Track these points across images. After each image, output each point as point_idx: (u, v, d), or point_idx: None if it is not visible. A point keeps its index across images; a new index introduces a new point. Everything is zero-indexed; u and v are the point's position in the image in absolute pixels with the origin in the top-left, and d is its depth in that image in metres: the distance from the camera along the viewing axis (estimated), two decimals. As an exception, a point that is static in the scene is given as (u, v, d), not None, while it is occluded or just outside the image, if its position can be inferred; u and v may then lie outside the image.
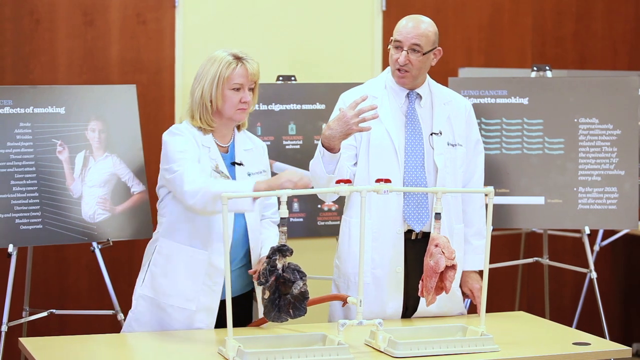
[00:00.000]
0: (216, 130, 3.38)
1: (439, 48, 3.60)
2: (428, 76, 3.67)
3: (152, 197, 4.62)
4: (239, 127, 3.48)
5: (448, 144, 3.60)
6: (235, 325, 3.35)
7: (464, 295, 3.69)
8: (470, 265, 3.67)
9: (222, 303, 3.35)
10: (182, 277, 3.33)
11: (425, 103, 3.63)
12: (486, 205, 3.22)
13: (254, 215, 3.39)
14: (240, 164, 3.39)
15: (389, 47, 3.59)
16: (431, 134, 3.58)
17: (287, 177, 3.10)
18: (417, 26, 3.53)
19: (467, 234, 3.67)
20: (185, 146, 3.29)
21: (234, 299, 3.39)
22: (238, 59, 3.34)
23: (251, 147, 3.48)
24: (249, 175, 3.41)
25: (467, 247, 3.67)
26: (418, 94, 3.62)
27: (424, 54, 3.53)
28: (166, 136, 3.36)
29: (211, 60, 3.35)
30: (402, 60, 3.52)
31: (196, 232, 3.34)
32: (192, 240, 3.34)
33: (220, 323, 3.33)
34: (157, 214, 3.47)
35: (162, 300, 3.35)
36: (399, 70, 3.56)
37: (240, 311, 3.42)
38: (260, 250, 3.43)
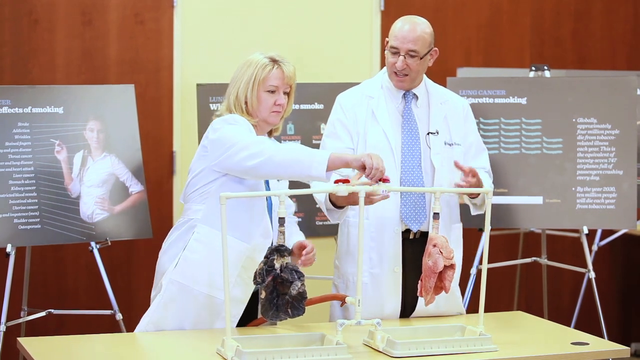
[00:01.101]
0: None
1: (435, 49, 3.59)
2: (425, 75, 3.66)
3: (150, 197, 4.63)
4: (270, 133, 3.46)
5: (445, 144, 3.60)
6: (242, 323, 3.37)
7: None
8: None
9: (254, 295, 3.35)
10: (218, 267, 3.29)
11: (421, 103, 3.62)
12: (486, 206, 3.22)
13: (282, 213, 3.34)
14: None
15: (385, 51, 3.58)
16: (428, 134, 3.59)
17: (373, 161, 3.06)
18: (413, 29, 3.51)
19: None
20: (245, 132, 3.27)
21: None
22: (274, 61, 3.35)
23: None
24: (278, 181, 3.40)
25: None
26: (414, 94, 3.62)
27: (421, 58, 3.52)
28: (220, 123, 3.30)
29: (247, 63, 3.36)
30: (399, 65, 3.51)
31: (238, 223, 3.28)
32: (234, 230, 3.26)
33: (245, 317, 3.34)
34: (188, 200, 3.39)
35: (193, 287, 3.32)
36: (396, 74, 3.55)
37: (244, 313, 3.41)
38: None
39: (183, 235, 3.38)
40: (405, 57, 3.50)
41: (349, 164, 3.11)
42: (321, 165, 3.08)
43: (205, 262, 3.31)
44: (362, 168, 3.09)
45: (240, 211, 3.28)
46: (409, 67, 3.52)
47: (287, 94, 3.38)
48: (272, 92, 3.33)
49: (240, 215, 3.28)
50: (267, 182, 3.39)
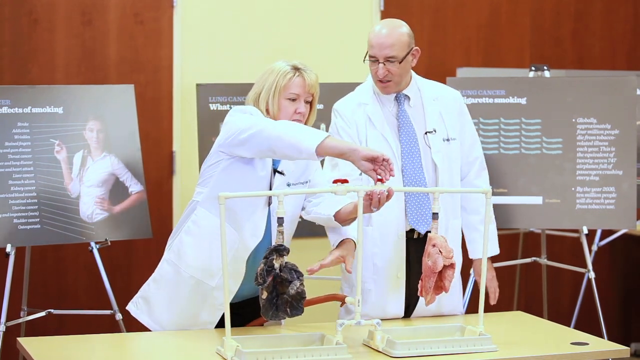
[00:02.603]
0: None
1: (416, 48, 3.54)
2: (414, 73, 3.63)
3: (150, 197, 4.63)
4: None
5: (443, 140, 3.60)
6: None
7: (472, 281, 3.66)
8: (479, 252, 3.62)
9: (249, 300, 3.35)
10: (211, 251, 3.29)
11: (414, 102, 3.61)
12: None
13: (286, 219, 3.32)
14: (281, 173, 3.38)
15: (364, 60, 3.54)
16: (426, 133, 3.58)
17: (366, 152, 2.99)
18: (389, 35, 3.47)
19: (473, 222, 3.66)
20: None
21: (247, 301, 3.40)
22: (296, 69, 3.32)
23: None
24: (288, 185, 3.37)
25: (476, 234, 3.65)
26: (406, 95, 3.60)
27: (400, 62, 3.49)
28: (235, 110, 3.30)
29: (270, 70, 3.34)
30: (381, 73, 3.49)
31: (232, 211, 3.27)
32: (230, 217, 3.25)
33: (239, 317, 3.34)
34: (198, 183, 3.39)
35: (185, 270, 3.33)
36: (380, 81, 3.54)
37: (248, 314, 3.40)
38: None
39: (185, 217, 3.39)
40: (384, 64, 3.48)
41: (343, 155, 3.01)
42: (314, 140, 3.00)
43: (199, 246, 3.32)
44: (368, 160, 3.01)
45: (235, 200, 3.25)
46: (390, 72, 3.49)
47: (310, 102, 3.35)
48: (293, 100, 3.31)
49: (234, 202, 3.26)
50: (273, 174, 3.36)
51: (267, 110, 3.31)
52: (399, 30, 3.50)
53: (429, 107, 3.61)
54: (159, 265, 3.40)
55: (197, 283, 3.32)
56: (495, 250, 3.74)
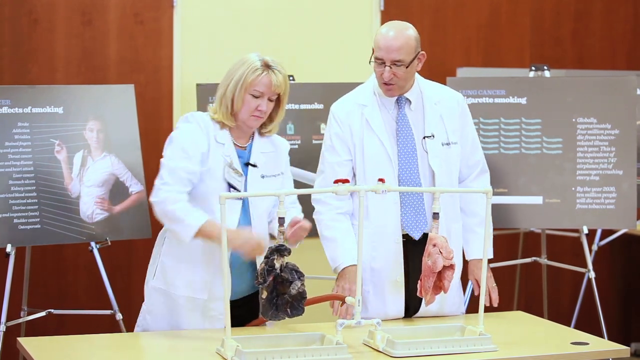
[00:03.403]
0: (234, 130, 3.38)
1: (423, 52, 3.51)
2: (417, 75, 3.60)
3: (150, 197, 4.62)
4: (261, 132, 3.45)
5: (442, 144, 3.57)
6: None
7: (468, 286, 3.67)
8: (476, 253, 3.62)
9: (245, 298, 3.37)
10: (193, 267, 3.32)
11: (415, 106, 3.58)
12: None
13: (258, 213, 3.37)
14: (254, 166, 3.39)
15: (370, 62, 3.52)
16: (424, 138, 3.56)
17: (243, 243, 3.20)
18: (397, 37, 3.44)
19: (471, 224, 3.64)
20: (189, 143, 3.28)
21: (243, 299, 3.40)
22: (267, 67, 3.32)
23: (271, 150, 3.43)
24: (262, 177, 3.39)
25: (472, 236, 3.63)
26: (407, 98, 3.57)
27: (407, 66, 3.46)
28: (180, 122, 3.37)
29: (242, 61, 3.34)
30: (387, 76, 3.46)
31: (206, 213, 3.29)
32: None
33: (237, 319, 3.34)
34: None
35: (172, 291, 3.35)
36: (385, 84, 3.51)
37: (245, 313, 3.41)
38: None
39: (160, 240, 3.44)
40: (391, 67, 3.46)
41: (216, 240, 3.14)
42: (190, 230, 3.19)
43: (181, 264, 3.35)
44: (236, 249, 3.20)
45: (209, 210, 3.28)
46: (396, 76, 3.47)
47: (276, 100, 3.36)
48: (257, 97, 3.32)
49: (210, 213, 3.28)
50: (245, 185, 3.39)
51: (233, 103, 3.31)
52: (408, 34, 3.47)
53: (429, 111, 3.57)
54: (146, 296, 3.42)
55: (190, 300, 3.34)
56: (490, 255, 3.69)
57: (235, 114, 3.33)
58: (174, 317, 3.36)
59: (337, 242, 3.50)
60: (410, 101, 3.57)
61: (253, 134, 3.42)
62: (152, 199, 3.28)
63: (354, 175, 3.56)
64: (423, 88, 3.61)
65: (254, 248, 3.21)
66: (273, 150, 3.45)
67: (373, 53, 3.50)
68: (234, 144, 3.37)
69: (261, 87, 3.30)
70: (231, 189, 3.30)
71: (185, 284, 3.34)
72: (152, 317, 3.40)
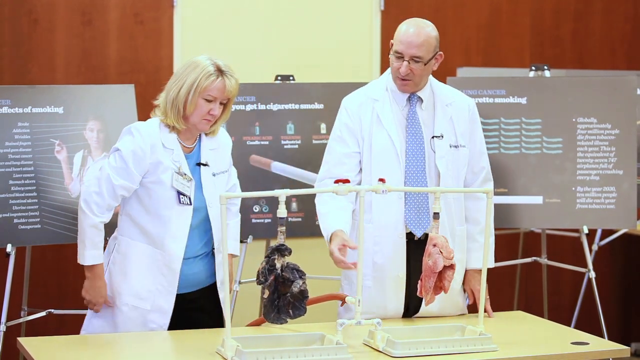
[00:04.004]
0: (182, 132, 3.39)
1: (440, 52, 3.54)
2: (431, 76, 3.63)
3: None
4: (206, 133, 3.47)
5: (450, 146, 3.57)
6: (203, 321, 3.36)
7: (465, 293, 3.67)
8: (476, 263, 3.62)
9: (178, 304, 3.38)
10: (138, 276, 3.37)
11: (426, 106, 3.59)
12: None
13: (216, 202, 3.33)
14: (205, 165, 3.40)
15: (389, 55, 3.54)
16: (432, 138, 3.57)
17: (93, 295, 3.43)
18: (418, 34, 3.46)
19: (472, 232, 3.64)
20: (131, 160, 3.31)
21: (197, 292, 3.42)
22: (220, 72, 3.33)
23: (216, 147, 3.48)
24: (213, 175, 3.42)
25: (473, 245, 3.63)
26: (419, 97, 3.59)
27: (425, 64, 3.49)
28: (124, 135, 3.39)
29: (193, 65, 3.34)
30: (403, 70, 3.48)
31: (154, 232, 3.35)
32: (149, 238, 3.36)
33: (177, 323, 3.36)
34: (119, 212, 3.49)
35: (118, 298, 3.39)
36: (400, 78, 3.53)
37: (206, 304, 3.43)
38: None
39: (109, 247, 3.49)
40: (409, 63, 3.47)
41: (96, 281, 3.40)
42: (82, 260, 3.41)
43: (126, 273, 3.39)
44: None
45: (155, 220, 3.34)
46: (412, 72, 3.49)
47: (225, 103, 3.38)
48: (210, 101, 3.33)
49: (155, 223, 3.34)
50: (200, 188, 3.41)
51: (185, 107, 3.31)
52: (429, 31, 3.50)
53: (440, 111, 3.59)
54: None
55: (132, 309, 3.37)
56: (491, 263, 3.67)
57: (187, 117, 3.34)
58: (115, 324, 3.40)
59: (330, 214, 3.44)
60: (422, 100, 3.58)
61: (200, 134, 3.44)
62: (81, 203, 3.36)
63: (360, 169, 3.56)
64: (435, 89, 3.63)
65: (97, 301, 3.39)
66: (217, 145, 3.49)
67: (392, 47, 3.52)
68: (182, 146, 3.39)
69: (215, 92, 3.32)
70: (180, 196, 3.32)
71: (129, 292, 3.38)
72: (97, 321, 3.45)
